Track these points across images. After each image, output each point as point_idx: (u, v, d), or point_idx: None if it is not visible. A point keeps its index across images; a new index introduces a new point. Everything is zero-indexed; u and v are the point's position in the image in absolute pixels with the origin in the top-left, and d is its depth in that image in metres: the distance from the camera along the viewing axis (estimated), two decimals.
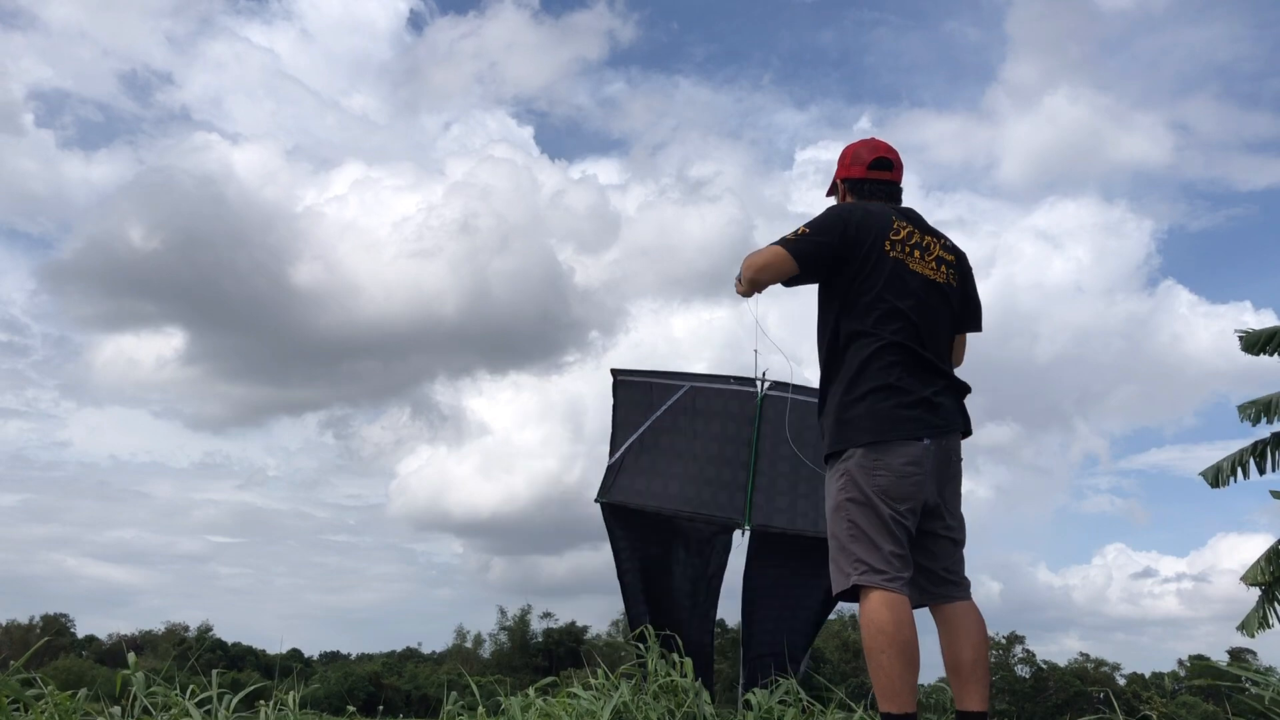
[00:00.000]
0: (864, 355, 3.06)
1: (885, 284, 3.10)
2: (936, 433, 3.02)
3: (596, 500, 5.53)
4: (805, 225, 3.20)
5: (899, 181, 3.40)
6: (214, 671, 3.61)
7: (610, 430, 5.63)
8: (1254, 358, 13.62)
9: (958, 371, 3.28)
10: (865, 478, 2.98)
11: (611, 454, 5.57)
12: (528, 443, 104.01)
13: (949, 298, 3.23)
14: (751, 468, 5.19)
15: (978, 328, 3.40)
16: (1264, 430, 13.97)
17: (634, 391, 5.61)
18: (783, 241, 3.18)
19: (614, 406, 5.61)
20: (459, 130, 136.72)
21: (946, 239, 3.33)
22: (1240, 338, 13.71)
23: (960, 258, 3.33)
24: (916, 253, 3.18)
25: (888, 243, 3.13)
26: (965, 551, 3.17)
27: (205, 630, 66.04)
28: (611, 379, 5.63)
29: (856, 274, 3.11)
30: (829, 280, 3.20)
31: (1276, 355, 13.41)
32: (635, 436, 5.47)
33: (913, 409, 3.00)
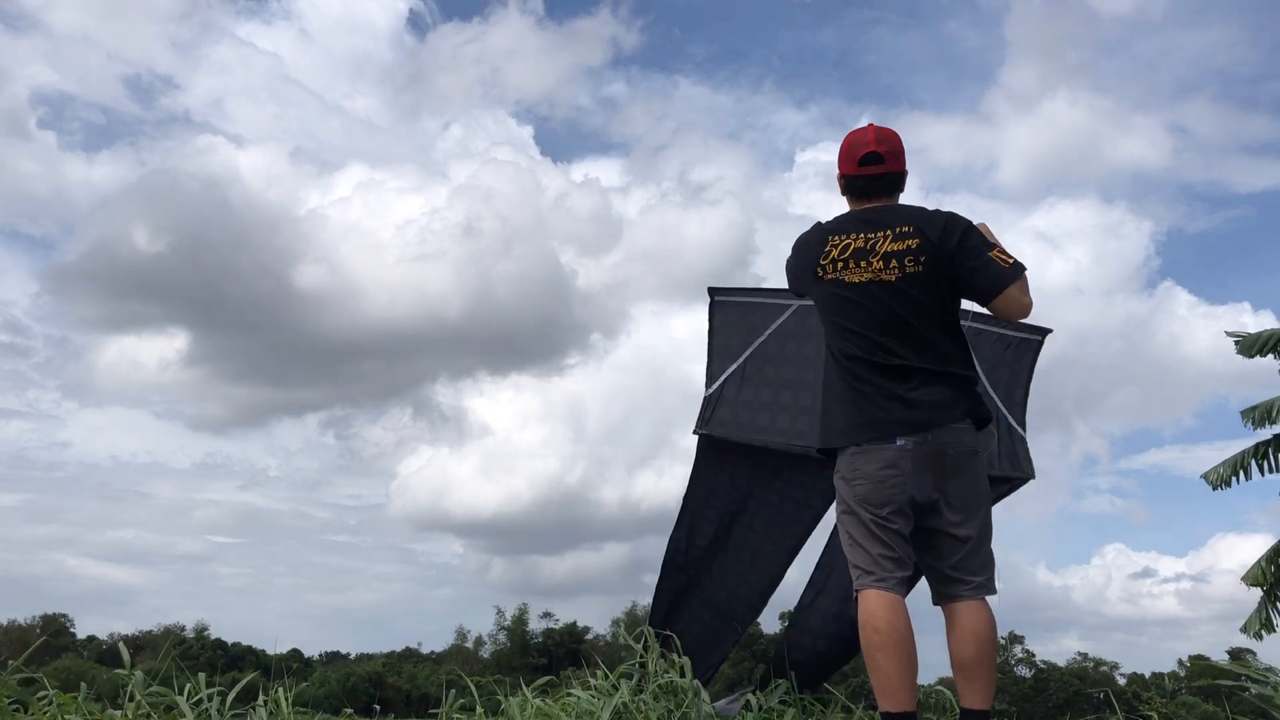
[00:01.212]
0: (833, 371, 3.20)
1: (828, 308, 3.20)
2: (915, 430, 2.99)
3: (695, 431, 4.89)
4: None
5: (896, 170, 3.25)
6: (201, 675, 3.60)
7: (706, 358, 4.96)
8: (1253, 359, 13.61)
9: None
10: (846, 489, 3.09)
11: (708, 384, 4.92)
12: (529, 443, 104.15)
13: (909, 292, 3.06)
14: None
15: (995, 284, 3.05)
16: (1265, 432, 13.98)
17: (733, 315, 4.94)
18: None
19: (710, 331, 4.95)
20: (462, 133, 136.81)
21: (907, 222, 3.13)
22: (1236, 342, 13.70)
23: (926, 235, 3.09)
24: (853, 261, 3.11)
25: (819, 268, 3.19)
26: None
27: (201, 630, 66.14)
28: (709, 298, 4.97)
29: (817, 303, 3.28)
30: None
31: (1271, 356, 13.41)
32: (736, 365, 4.84)
33: (882, 412, 3.03)
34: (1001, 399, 4.72)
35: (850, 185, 3.28)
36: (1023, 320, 3.52)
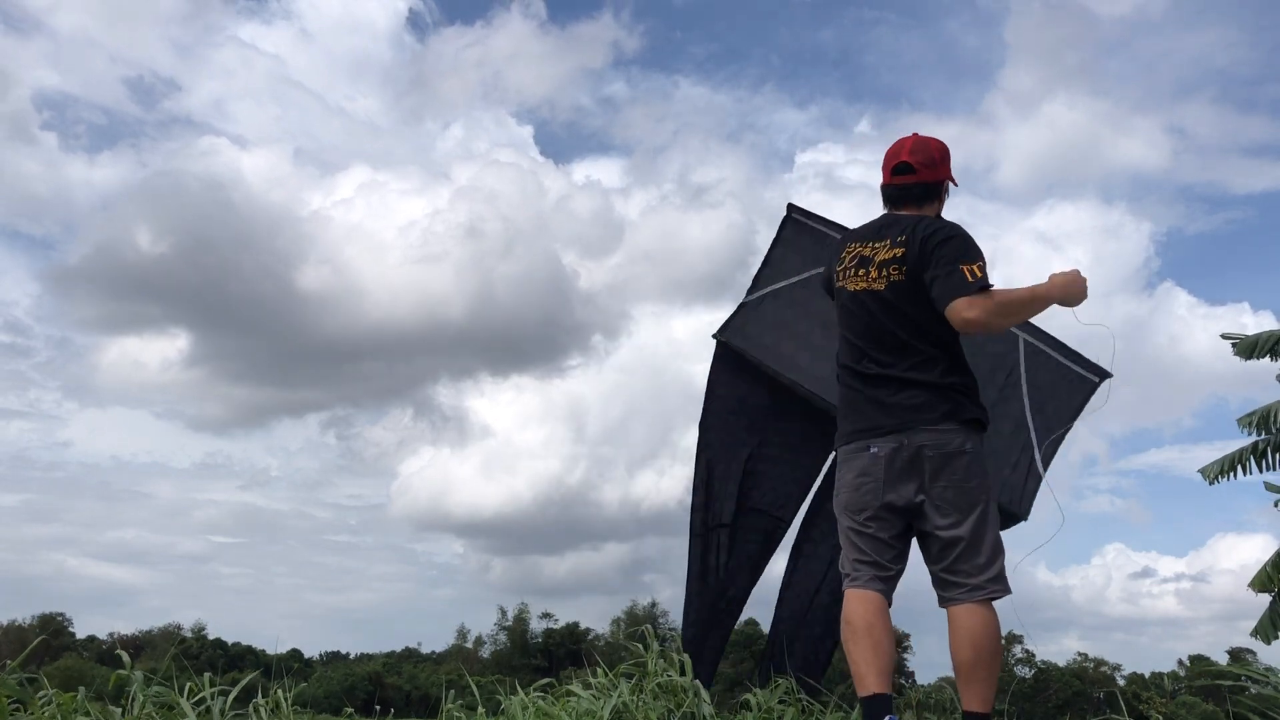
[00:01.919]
0: (838, 380, 3.32)
1: (839, 314, 3.31)
2: (887, 434, 3.05)
3: (714, 335, 4.69)
4: None
5: (928, 180, 3.26)
6: (206, 675, 3.60)
7: (761, 265, 4.73)
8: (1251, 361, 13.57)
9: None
10: (835, 499, 3.23)
11: (751, 291, 4.67)
12: (530, 444, 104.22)
13: (893, 301, 3.10)
14: None
15: (943, 294, 2.98)
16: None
17: (806, 237, 4.61)
18: None
19: (774, 241, 4.71)
20: (465, 135, 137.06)
21: (903, 232, 3.13)
22: (1233, 344, 13.66)
23: (910, 244, 3.09)
24: (855, 270, 3.20)
25: (836, 274, 3.31)
26: None
27: (199, 629, 66.14)
28: (786, 212, 4.70)
29: None
30: None
31: (1268, 359, 13.37)
32: (786, 284, 4.58)
33: (861, 419, 3.13)
34: (1037, 429, 4.39)
35: (884, 193, 3.35)
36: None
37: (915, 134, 3.34)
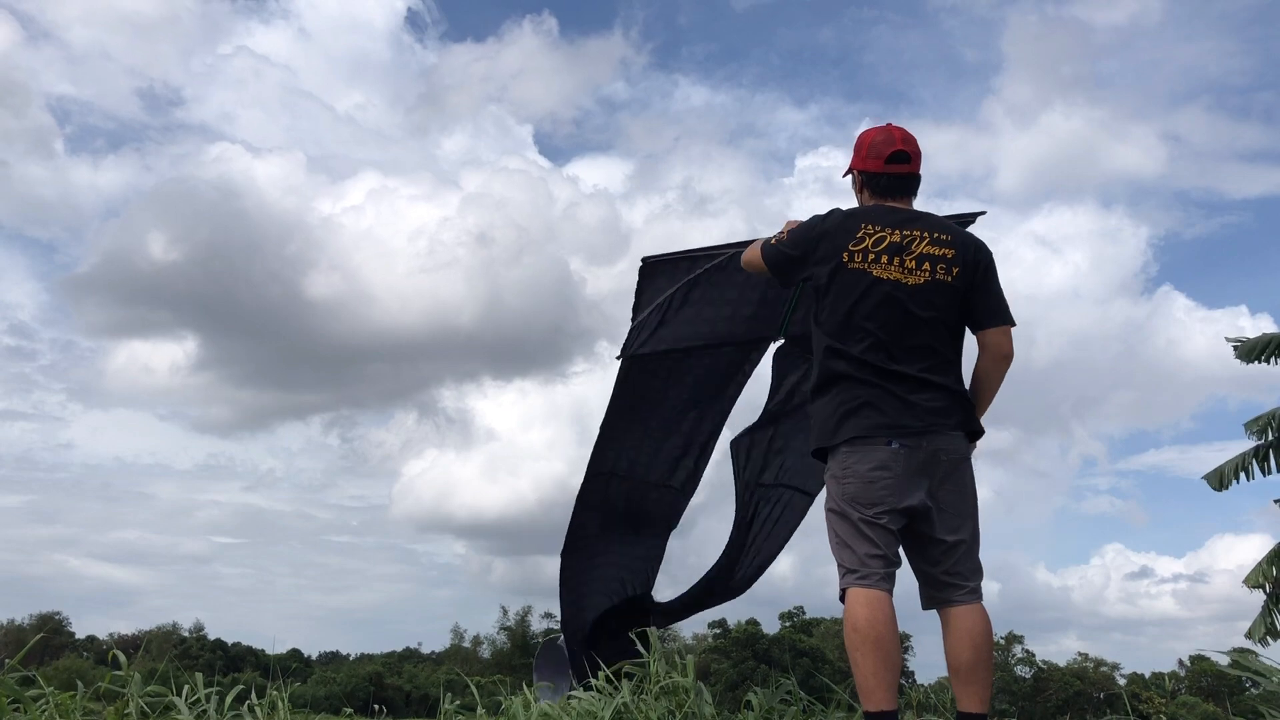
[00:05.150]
0: (832, 369, 3.11)
1: (844, 299, 3.09)
2: (909, 434, 2.98)
3: (617, 358, 4.59)
4: (787, 230, 3.33)
5: (917, 172, 3.27)
6: (198, 675, 3.59)
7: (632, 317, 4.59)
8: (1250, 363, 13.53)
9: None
10: (836, 487, 3.07)
11: (634, 318, 4.53)
12: (533, 446, 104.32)
13: (932, 300, 3.06)
14: (798, 285, 4.09)
15: (996, 322, 3.14)
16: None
17: (664, 273, 4.48)
18: (764, 243, 3.41)
19: (637, 293, 4.51)
20: (474, 143, 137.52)
21: (944, 231, 3.15)
22: (1235, 347, 13.63)
23: (962, 249, 3.13)
24: (884, 257, 3.06)
25: (846, 254, 3.10)
26: None
27: (198, 629, 66.11)
28: (641, 266, 4.53)
29: (823, 288, 3.15)
30: (812, 290, 3.24)
31: (1272, 362, 13.33)
32: (666, 295, 4.44)
33: (879, 414, 3.00)
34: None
35: (874, 182, 3.25)
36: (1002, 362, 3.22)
37: (890, 124, 3.28)
